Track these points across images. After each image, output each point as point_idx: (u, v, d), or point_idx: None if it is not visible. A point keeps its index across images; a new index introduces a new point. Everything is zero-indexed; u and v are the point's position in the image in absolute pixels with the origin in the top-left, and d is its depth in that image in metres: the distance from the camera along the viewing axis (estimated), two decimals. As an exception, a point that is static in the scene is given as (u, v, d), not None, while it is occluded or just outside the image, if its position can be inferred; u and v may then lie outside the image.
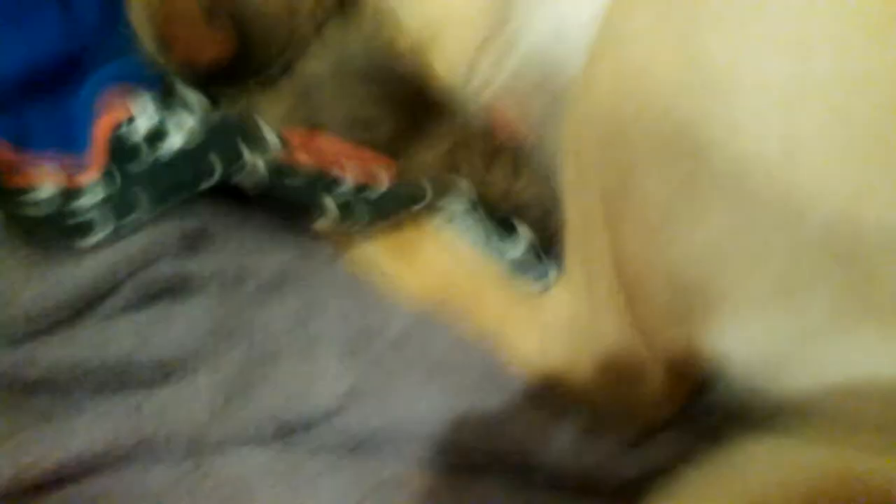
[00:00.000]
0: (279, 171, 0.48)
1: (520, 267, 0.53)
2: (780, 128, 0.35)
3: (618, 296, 0.42)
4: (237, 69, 0.50)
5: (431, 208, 0.52)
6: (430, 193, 0.52)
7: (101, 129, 0.50)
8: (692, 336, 0.40)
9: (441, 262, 0.51)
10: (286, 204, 0.48)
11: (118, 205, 0.48)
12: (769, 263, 0.36)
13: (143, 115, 0.49)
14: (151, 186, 0.47)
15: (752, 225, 0.36)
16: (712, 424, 0.43)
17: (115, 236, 0.46)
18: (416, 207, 0.51)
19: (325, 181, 0.55)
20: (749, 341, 0.39)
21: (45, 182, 0.51)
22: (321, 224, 0.49)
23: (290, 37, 0.51)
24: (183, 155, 0.47)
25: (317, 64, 0.57)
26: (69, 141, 0.52)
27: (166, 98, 0.49)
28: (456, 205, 0.53)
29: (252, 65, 0.50)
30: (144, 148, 0.48)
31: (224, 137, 0.47)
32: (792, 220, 0.35)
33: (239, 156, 0.46)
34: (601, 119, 0.41)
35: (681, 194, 0.37)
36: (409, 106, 0.58)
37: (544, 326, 0.47)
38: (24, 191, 0.50)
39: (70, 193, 0.50)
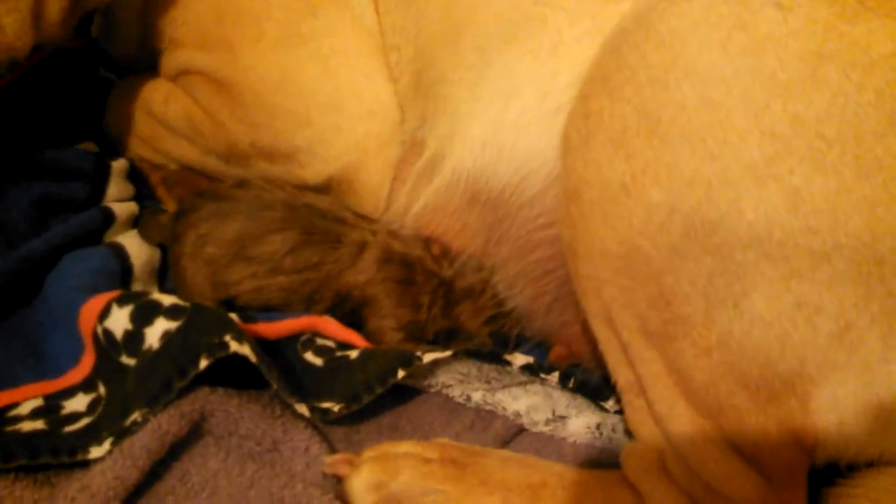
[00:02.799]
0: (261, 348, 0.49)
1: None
2: (777, 187, 0.38)
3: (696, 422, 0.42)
4: None
5: (418, 367, 0.52)
6: (418, 353, 0.52)
7: (84, 331, 0.51)
8: (795, 425, 0.39)
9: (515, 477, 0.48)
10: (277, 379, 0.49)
11: (112, 407, 0.48)
12: (821, 315, 0.37)
13: (118, 319, 0.49)
14: (142, 383, 0.47)
15: (787, 282, 0.37)
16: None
17: (121, 438, 0.46)
18: (408, 368, 0.51)
19: (307, 335, 0.56)
20: (851, 400, 0.38)
21: (28, 398, 0.50)
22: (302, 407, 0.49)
23: None
24: (166, 351, 0.48)
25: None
26: (44, 363, 0.52)
27: (141, 298, 0.50)
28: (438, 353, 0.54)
29: None
30: (125, 348, 0.49)
31: (206, 332, 0.48)
32: (821, 265, 0.37)
33: (225, 346, 0.47)
34: (612, 252, 0.42)
35: (715, 287, 0.39)
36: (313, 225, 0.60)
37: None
38: (7, 409, 0.49)
39: (57, 400, 0.50)
